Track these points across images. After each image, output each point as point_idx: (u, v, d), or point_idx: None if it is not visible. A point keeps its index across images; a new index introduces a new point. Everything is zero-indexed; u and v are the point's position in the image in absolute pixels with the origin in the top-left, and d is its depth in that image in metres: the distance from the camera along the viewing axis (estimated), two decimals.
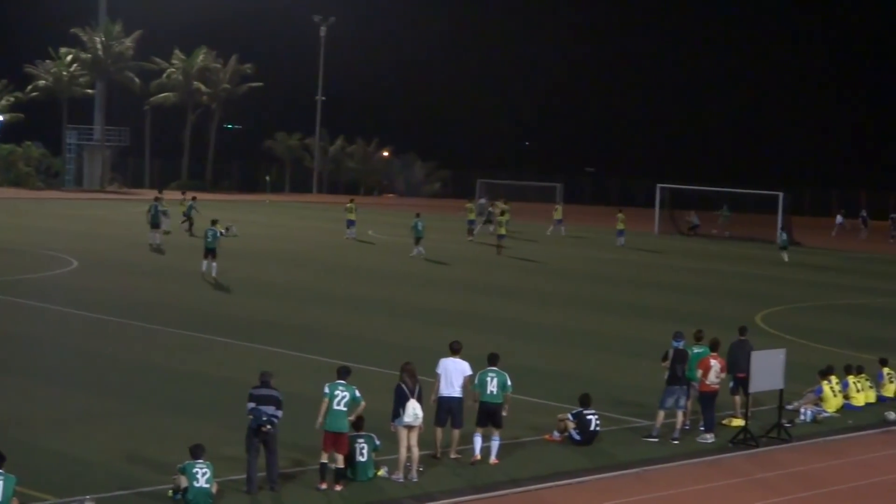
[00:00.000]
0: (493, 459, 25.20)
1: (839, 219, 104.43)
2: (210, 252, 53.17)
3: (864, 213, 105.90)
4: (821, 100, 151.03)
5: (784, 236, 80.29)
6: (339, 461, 23.24)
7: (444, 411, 25.18)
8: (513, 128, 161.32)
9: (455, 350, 25.58)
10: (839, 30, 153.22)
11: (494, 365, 25.65)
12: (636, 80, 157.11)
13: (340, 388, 23.49)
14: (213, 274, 52.84)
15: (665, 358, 28.24)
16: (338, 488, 23.08)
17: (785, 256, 76.12)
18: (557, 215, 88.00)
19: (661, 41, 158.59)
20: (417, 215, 68.57)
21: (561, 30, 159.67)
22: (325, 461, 23.23)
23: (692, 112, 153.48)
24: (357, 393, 23.52)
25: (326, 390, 23.45)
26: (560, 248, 77.01)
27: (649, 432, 27.89)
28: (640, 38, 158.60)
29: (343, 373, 23.92)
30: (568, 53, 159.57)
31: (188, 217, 72.73)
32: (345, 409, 23.35)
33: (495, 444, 25.31)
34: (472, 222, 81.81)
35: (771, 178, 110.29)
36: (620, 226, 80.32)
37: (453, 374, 25.21)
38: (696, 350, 28.76)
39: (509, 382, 25.52)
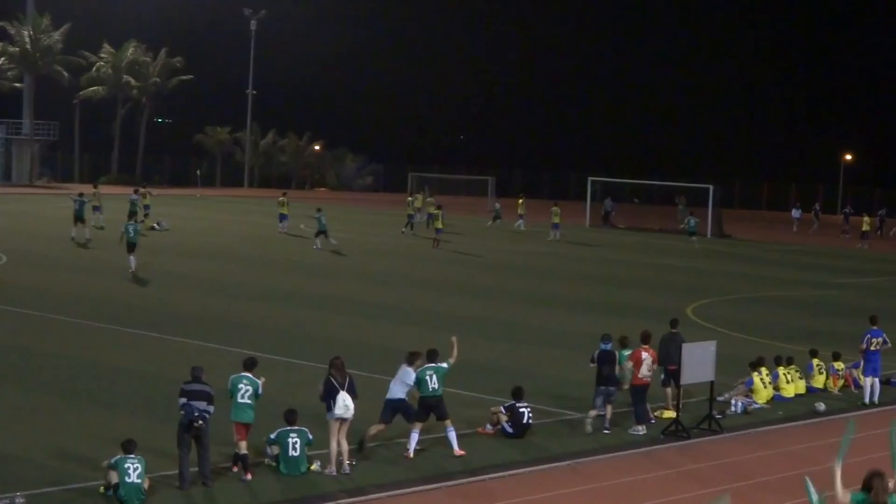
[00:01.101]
0: (457, 451, 25.39)
1: (796, 213, 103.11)
2: (131, 247, 53.01)
3: (816, 207, 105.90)
4: (751, 93, 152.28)
5: (692, 222, 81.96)
6: (242, 448, 23.56)
7: (390, 410, 25.43)
8: (445, 122, 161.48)
9: (411, 362, 25.72)
10: (769, 23, 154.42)
11: (433, 361, 25.79)
12: (568, 74, 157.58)
13: (244, 381, 23.86)
14: (133, 268, 52.60)
15: (593, 360, 28.39)
16: (248, 477, 23.37)
17: (695, 242, 79.48)
18: (521, 209, 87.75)
19: (591, 36, 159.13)
20: (319, 210, 68.90)
21: (492, 25, 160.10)
22: (245, 452, 23.51)
23: (623, 105, 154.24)
24: (260, 390, 23.86)
25: (230, 385, 23.77)
26: (494, 242, 77.12)
27: (583, 430, 27.83)
28: (570, 34, 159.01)
29: (248, 364, 24.30)
30: (499, 47, 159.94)
31: (135, 212, 72.45)
32: (249, 401, 23.70)
33: (453, 435, 25.53)
34: (411, 216, 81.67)
35: (701, 171, 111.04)
36: (556, 219, 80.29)
37: (399, 380, 25.53)
38: (624, 353, 28.95)
39: (446, 365, 25.83)
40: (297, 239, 72.53)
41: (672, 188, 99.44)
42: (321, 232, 66.95)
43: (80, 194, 68.16)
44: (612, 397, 28.10)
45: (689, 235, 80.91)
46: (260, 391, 23.83)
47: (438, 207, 73.69)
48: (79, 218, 65.37)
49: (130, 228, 53.73)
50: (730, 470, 25.69)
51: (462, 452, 25.44)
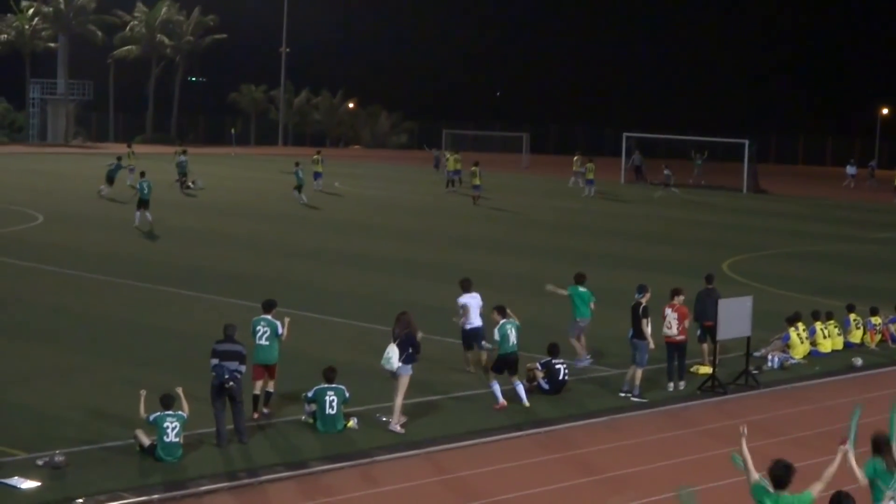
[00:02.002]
0: (526, 403, 25.86)
1: (851, 169, 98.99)
2: (144, 203, 53.62)
3: (872, 163, 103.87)
4: (786, 46, 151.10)
5: (667, 172, 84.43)
6: (270, 385, 24.35)
7: (472, 338, 28.35)
8: (480, 78, 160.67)
9: (466, 288, 28.87)
10: None
11: (504, 316, 26.46)
12: (603, 29, 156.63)
13: (262, 323, 24.40)
14: (150, 221, 53.24)
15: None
16: (265, 411, 24.20)
17: (656, 194, 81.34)
18: (576, 167, 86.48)
19: None
20: (297, 164, 69.79)
21: None
22: (257, 392, 24.22)
23: (658, 60, 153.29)
24: (280, 330, 24.28)
25: (251, 329, 24.38)
26: (529, 199, 76.95)
27: (619, 388, 27.63)
28: None
29: (266, 307, 24.77)
30: (534, 1, 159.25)
31: (185, 173, 73.09)
32: (267, 343, 24.24)
33: (521, 389, 25.97)
34: (453, 173, 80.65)
35: (736, 126, 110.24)
36: (590, 175, 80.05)
37: (475, 308, 28.48)
38: (580, 290, 29.93)
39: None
40: (332, 197, 72.58)
41: (707, 144, 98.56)
42: (299, 186, 67.64)
43: (119, 158, 69.09)
44: (637, 351, 27.20)
45: (665, 187, 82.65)
46: (280, 331, 24.25)
47: (476, 164, 73.44)
48: (110, 178, 66.05)
49: (145, 185, 54.24)
50: (765, 425, 25.60)
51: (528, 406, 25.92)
